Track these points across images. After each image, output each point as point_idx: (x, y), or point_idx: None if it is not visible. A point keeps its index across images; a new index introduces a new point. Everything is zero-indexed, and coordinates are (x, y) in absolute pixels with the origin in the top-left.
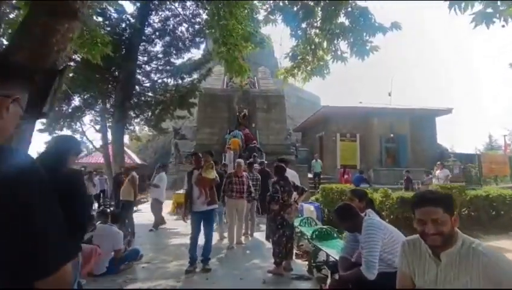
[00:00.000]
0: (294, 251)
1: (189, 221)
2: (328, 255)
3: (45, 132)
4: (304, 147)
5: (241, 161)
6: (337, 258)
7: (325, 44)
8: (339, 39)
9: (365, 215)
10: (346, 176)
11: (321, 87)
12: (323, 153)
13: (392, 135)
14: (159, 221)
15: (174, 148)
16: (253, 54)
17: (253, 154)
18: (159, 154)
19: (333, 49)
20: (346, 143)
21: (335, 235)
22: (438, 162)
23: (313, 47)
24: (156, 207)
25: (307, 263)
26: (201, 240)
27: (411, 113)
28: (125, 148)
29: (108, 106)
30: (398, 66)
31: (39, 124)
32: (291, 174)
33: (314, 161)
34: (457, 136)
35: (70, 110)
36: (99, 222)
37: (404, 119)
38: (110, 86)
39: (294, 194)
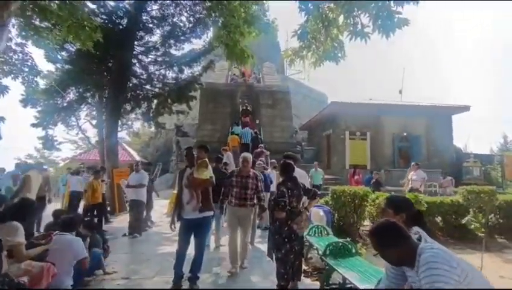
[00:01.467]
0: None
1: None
2: (345, 279)
3: (39, 127)
4: (310, 146)
5: (249, 155)
6: (358, 285)
7: (340, 20)
8: (359, 11)
9: (419, 239)
10: (356, 177)
11: (328, 85)
12: (330, 152)
13: (405, 134)
14: (141, 225)
15: (176, 146)
16: (258, 50)
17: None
18: (160, 152)
19: (351, 23)
20: (356, 142)
21: (353, 251)
22: (413, 163)
23: (326, 24)
24: (140, 210)
25: (317, 283)
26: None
27: (426, 111)
28: (126, 146)
29: (104, 99)
30: (410, 62)
31: (33, 118)
32: (299, 174)
33: (313, 170)
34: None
35: (65, 104)
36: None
37: (418, 117)
38: (105, 78)
39: (304, 199)
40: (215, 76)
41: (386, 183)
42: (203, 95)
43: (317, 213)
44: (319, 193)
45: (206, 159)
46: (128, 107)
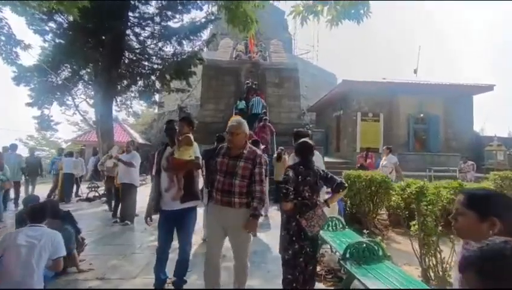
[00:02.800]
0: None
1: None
2: None
3: (34, 106)
4: (319, 128)
5: (240, 120)
6: None
7: None
8: None
9: None
10: (369, 160)
11: (337, 64)
12: (340, 134)
13: (422, 115)
14: (133, 212)
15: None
16: (265, 28)
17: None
18: (163, 134)
19: None
20: (368, 123)
21: (381, 253)
22: (384, 146)
23: None
24: (131, 195)
25: (332, 288)
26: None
27: (445, 90)
28: (128, 128)
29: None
30: (426, 40)
31: (27, 97)
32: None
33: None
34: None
35: (59, 82)
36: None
37: (436, 97)
38: (98, 52)
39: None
40: (219, 54)
41: (401, 169)
42: (205, 73)
43: None
44: (345, 184)
45: (190, 135)
46: (123, 84)
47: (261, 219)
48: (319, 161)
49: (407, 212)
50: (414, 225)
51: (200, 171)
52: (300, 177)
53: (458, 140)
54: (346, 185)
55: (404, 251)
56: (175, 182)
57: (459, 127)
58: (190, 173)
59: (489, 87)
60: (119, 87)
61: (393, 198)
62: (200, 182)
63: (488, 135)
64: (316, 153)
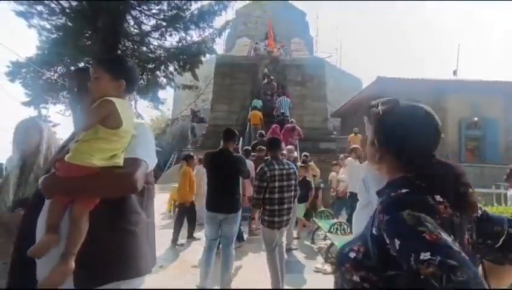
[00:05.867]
0: None
1: None
2: None
3: (30, 105)
4: (344, 135)
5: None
6: None
7: None
8: None
9: None
10: None
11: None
12: None
13: (476, 119)
14: None
15: (191, 133)
16: (286, 31)
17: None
18: (176, 140)
19: None
20: None
21: None
22: (341, 156)
23: None
24: None
25: None
26: None
27: (505, 89)
28: None
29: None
30: (466, 36)
31: (23, 95)
32: None
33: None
34: None
35: (55, 78)
36: None
37: (494, 97)
38: (92, 40)
39: None
40: (235, 53)
41: None
42: (218, 70)
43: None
44: None
45: (113, 99)
46: None
47: None
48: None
49: None
50: None
51: None
52: None
53: None
54: None
55: None
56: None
57: None
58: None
59: None
60: None
61: None
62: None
63: None
64: None
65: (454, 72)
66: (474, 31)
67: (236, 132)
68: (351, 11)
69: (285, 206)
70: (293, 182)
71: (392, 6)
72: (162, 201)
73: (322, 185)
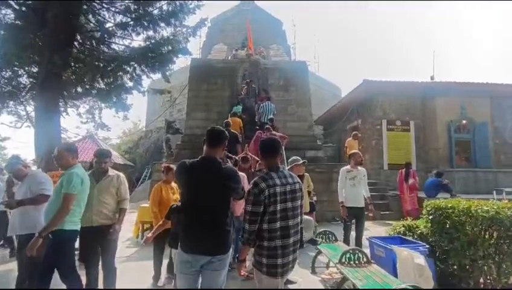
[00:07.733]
0: None
1: None
2: None
3: None
4: (327, 143)
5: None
6: None
7: None
8: None
9: None
10: (412, 180)
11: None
12: (359, 149)
13: (464, 122)
14: None
15: (165, 145)
16: (263, 39)
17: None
18: (150, 154)
19: None
20: (396, 133)
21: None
22: (290, 159)
23: None
24: None
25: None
26: None
27: (493, 91)
28: (111, 149)
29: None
30: (439, 45)
31: None
32: None
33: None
34: None
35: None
36: None
37: (482, 99)
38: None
39: None
40: (212, 58)
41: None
42: (194, 74)
43: (409, 259)
44: None
45: None
46: (73, 79)
47: None
48: None
49: None
50: None
51: None
52: None
53: (509, 153)
54: None
55: None
56: None
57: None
58: None
59: None
60: (71, 86)
61: None
62: None
63: None
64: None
65: (432, 78)
66: (456, 34)
67: (227, 132)
68: (328, 20)
69: (291, 240)
70: (299, 202)
71: (374, 13)
72: (130, 222)
73: (315, 199)
